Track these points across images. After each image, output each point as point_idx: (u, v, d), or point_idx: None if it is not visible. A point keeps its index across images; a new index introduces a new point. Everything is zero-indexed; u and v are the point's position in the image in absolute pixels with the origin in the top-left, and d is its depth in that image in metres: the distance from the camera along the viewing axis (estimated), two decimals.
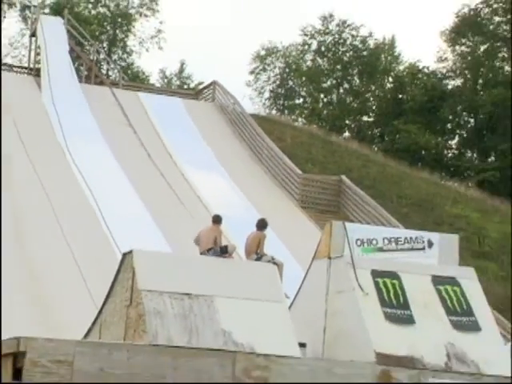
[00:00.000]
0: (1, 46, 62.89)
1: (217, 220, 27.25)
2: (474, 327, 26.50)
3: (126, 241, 31.60)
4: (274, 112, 76.23)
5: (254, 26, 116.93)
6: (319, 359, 24.42)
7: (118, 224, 37.32)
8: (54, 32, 60.15)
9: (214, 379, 16.72)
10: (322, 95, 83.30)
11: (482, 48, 76.76)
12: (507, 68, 75.92)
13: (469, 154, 79.91)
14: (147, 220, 38.93)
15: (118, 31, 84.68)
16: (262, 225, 26.50)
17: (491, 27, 75.65)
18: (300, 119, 76.19)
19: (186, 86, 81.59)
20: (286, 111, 79.92)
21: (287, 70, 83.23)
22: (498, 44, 76.08)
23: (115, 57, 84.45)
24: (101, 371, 15.23)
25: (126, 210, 39.25)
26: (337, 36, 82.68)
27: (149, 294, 17.61)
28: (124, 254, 18.17)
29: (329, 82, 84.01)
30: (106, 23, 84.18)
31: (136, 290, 17.98)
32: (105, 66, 78.85)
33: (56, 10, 70.74)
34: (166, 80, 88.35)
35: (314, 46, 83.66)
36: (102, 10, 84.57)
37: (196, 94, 61.97)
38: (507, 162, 71.58)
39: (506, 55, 76.01)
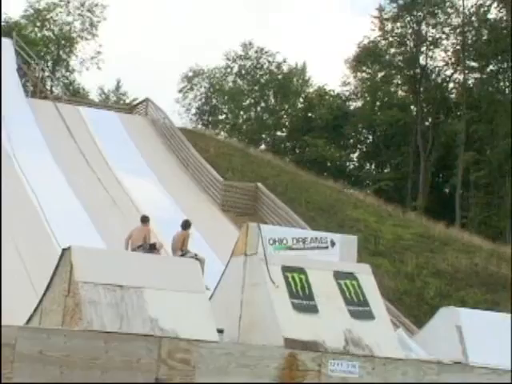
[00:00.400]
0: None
1: (145, 220, 27.45)
2: (369, 316, 26.70)
3: (66, 238, 31.42)
4: (199, 126, 76.52)
5: (184, 51, 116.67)
6: (235, 343, 24.45)
7: (58, 223, 37.21)
8: (3, 51, 59.92)
9: (142, 361, 16.78)
10: (241, 112, 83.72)
11: (380, 75, 77.60)
12: (400, 92, 77.08)
13: (367, 166, 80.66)
14: (85, 220, 38.83)
15: (61, 52, 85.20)
16: (186, 225, 26.80)
17: (387, 57, 76.48)
18: (222, 133, 76.60)
19: (121, 102, 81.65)
20: (210, 126, 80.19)
21: (211, 89, 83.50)
22: (393, 72, 77.08)
23: (59, 74, 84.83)
24: (40, 354, 15.28)
25: (66, 211, 39.14)
26: (255, 61, 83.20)
27: (85, 285, 17.54)
28: (63, 250, 18.08)
29: (248, 101, 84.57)
30: (50, 44, 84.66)
31: (73, 281, 17.91)
32: (49, 83, 78.87)
33: (5, 32, 70.53)
34: (103, 96, 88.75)
35: (236, 69, 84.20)
36: (47, 33, 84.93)
37: (130, 108, 61.88)
38: (399, 173, 72.64)
39: (399, 82, 77.13)
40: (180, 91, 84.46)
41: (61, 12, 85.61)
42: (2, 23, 76.53)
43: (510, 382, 5.43)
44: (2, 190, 39.25)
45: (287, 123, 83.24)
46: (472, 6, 73.43)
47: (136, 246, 27.01)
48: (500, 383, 20.43)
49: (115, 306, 17.85)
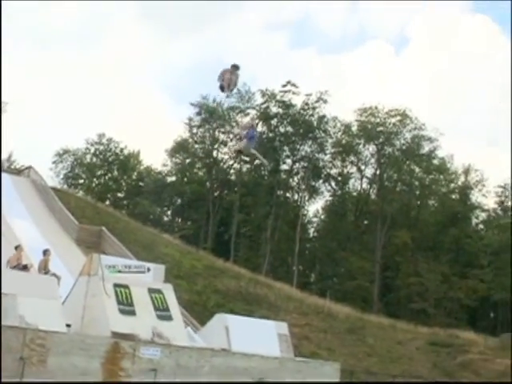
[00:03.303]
0: None
1: (17, 248, 27.03)
2: (169, 318, 26.49)
3: None
4: (65, 186, 73.97)
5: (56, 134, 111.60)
6: (78, 334, 23.82)
7: None
8: None
9: (12, 344, 16.20)
10: (95, 179, 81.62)
11: (187, 161, 77.10)
12: (200, 173, 76.76)
13: (177, 219, 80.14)
14: None
15: None
16: (45, 252, 26.74)
17: (193, 150, 76.22)
18: (81, 192, 74.19)
19: (12, 167, 78.33)
20: (73, 186, 77.74)
21: (75, 162, 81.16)
22: (196, 159, 76.77)
23: None
24: None
25: None
26: (106, 146, 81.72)
27: None
28: None
29: (99, 172, 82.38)
30: None
31: None
32: None
33: None
34: None
35: (92, 150, 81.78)
36: None
37: (19, 172, 59.47)
38: (196, 225, 72.56)
39: (199, 166, 76.85)
40: (53, 162, 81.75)
41: None
42: None
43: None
44: None
45: (125, 188, 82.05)
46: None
47: (13, 266, 26.17)
48: None
49: None
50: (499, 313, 67.50)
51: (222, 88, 16.15)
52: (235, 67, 16.69)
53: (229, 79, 15.99)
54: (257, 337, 29.48)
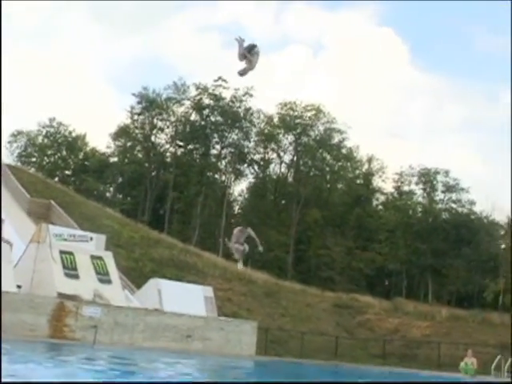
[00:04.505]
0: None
1: None
2: (109, 281, 26.64)
3: None
4: (19, 164, 72.04)
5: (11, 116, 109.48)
6: (28, 294, 23.66)
7: None
8: None
9: None
10: (45, 158, 79.56)
11: (128, 144, 76.00)
12: (139, 155, 75.81)
13: (118, 195, 79.04)
14: None
15: None
16: None
17: (133, 134, 75.05)
18: (33, 169, 72.41)
19: None
20: (26, 164, 75.60)
21: (28, 142, 79.27)
22: (136, 143, 75.53)
23: None
24: None
25: None
26: (56, 128, 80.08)
27: None
28: None
29: (50, 151, 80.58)
30: None
31: None
32: None
33: None
34: None
35: (44, 132, 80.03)
36: None
37: None
38: (135, 201, 71.93)
39: (139, 149, 75.71)
40: (9, 142, 79.40)
41: None
42: None
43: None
44: None
45: (72, 166, 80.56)
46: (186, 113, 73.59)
47: None
48: None
49: None
50: (393, 280, 69.22)
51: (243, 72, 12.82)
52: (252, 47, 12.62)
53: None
54: (186, 298, 29.79)
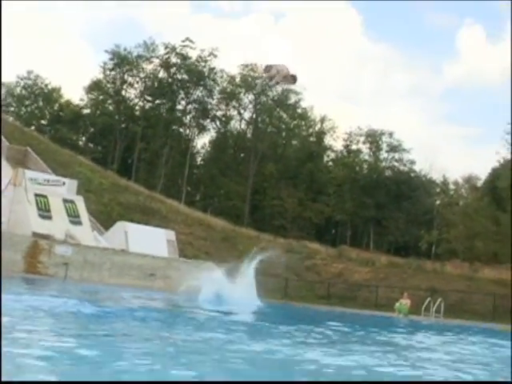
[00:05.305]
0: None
1: None
2: (79, 223, 26.60)
3: None
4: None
5: None
6: (5, 232, 23.50)
7: None
8: None
9: None
10: (23, 108, 77.90)
11: (100, 97, 74.58)
12: (107, 106, 74.56)
13: (90, 145, 77.98)
14: None
15: None
16: None
17: (105, 88, 73.80)
18: (11, 118, 70.77)
19: None
20: (4, 113, 73.81)
21: (7, 93, 77.33)
22: (108, 96, 74.37)
23: None
24: None
25: None
26: (33, 81, 78.22)
27: None
28: None
29: (27, 101, 78.59)
30: None
31: None
32: None
33: None
34: None
35: (22, 84, 78.03)
36: None
37: None
38: (105, 150, 71.17)
39: (110, 101, 74.51)
40: None
41: None
42: None
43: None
44: None
45: (48, 116, 79.02)
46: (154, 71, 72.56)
47: None
48: None
49: None
50: (339, 230, 70.33)
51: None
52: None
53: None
54: (150, 241, 29.93)
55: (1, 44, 47.14)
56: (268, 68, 11.57)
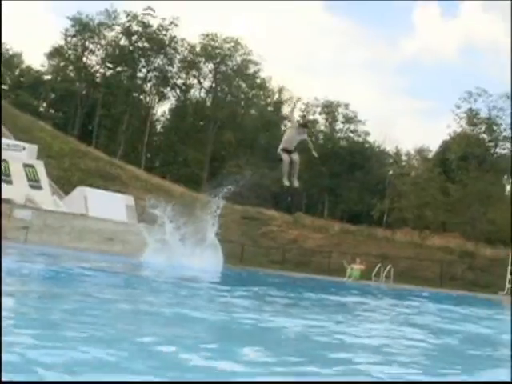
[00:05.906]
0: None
1: None
2: (39, 188, 26.30)
3: None
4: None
5: None
6: None
7: None
8: None
9: None
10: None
11: (62, 64, 73.01)
12: (69, 72, 73.01)
13: (59, 114, 76.46)
14: None
15: None
16: None
17: (68, 54, 72.07)
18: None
19: None
20: None
21: None
22: (70, 63, 72.84)
23: None
24: None
25: None
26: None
27: None
28: None
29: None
30: None
31: None
32: None
33: None
34: None
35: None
36: None
37: None
38: (65, 116, 69.87)
39: (71, 69, 73.05)
40: None
41: None
42: None
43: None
44: None
45: (9, 82, 76.36)
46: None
47: None
48: None
49: None
50: (295, 197, 70.86)
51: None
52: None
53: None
54: (109, 206, 29.78)
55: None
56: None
